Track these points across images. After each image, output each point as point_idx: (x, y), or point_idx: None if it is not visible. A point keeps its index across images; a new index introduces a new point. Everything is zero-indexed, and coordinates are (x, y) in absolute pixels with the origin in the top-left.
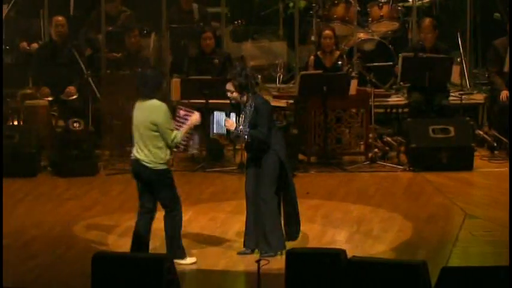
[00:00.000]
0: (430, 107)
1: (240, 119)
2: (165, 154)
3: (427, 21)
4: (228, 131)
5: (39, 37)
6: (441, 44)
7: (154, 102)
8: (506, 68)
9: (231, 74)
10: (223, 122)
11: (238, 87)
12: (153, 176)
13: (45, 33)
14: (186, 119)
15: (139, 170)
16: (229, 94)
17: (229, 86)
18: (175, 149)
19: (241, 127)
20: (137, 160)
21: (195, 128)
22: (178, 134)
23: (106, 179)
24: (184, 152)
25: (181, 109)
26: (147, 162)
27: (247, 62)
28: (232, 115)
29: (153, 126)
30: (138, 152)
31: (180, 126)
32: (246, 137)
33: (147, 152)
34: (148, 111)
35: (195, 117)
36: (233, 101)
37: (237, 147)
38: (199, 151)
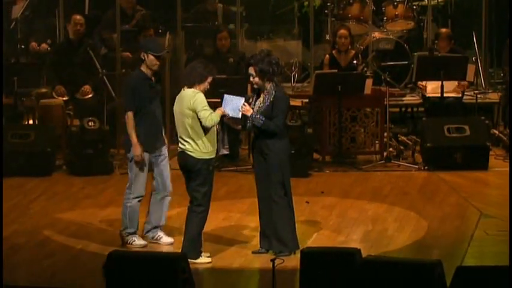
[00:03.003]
0: None
1: (256, 105)
2: (207, 143)
3: (444, 33)
4: (242, 115)
5: (53, 37)
6: (458, 48)
7: (192, 90)
8: None
9: (254, 59)
10: (239, 106)
11: (259, 72)
12: (198, 165)
13: (61, 33)
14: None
15: (184, 161)
16: (251, 78)
17: (251, 70)
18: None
19: (257, 114)
20: (182, 151)
21: (222, 129)
22: (214, 114)
23: (121, 178)
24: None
25: None
26: (191, 151)
27: None
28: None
29: (191, 112)
30: (183, 144)
31: None
32: (258, 124)
33: (191, 142)
34: (186, 98)
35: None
36: (255, 86)
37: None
38: (228, 151)
